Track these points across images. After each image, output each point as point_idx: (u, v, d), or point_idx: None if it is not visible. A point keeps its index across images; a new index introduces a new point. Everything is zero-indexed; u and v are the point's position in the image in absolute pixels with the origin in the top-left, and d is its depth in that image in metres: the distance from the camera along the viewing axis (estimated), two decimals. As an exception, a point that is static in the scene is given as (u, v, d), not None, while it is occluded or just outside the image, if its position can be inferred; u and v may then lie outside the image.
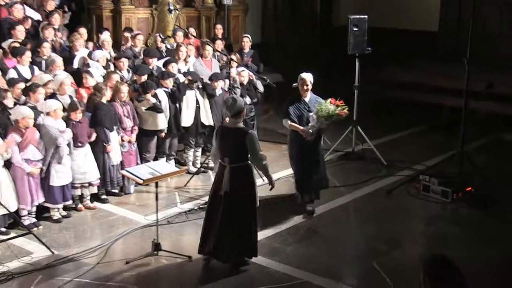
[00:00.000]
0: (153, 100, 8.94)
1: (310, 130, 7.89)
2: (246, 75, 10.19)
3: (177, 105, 9.41)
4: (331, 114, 7.77)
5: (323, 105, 7.85)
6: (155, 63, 9.98)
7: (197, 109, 9.66)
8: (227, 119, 6.79)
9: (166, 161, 9.43)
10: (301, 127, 7.98)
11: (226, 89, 9.84)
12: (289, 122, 8.05)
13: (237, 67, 10.43)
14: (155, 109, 8.98)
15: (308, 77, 8.10)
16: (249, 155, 6.54)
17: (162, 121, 9.18)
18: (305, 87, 8.09)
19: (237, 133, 6.51)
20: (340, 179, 9.63)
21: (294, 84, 8.24)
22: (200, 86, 9.67)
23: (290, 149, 8.37)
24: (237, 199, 6.53)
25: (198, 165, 9.88)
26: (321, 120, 7.82)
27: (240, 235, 6.58)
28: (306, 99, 8.12)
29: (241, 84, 10.10)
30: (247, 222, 6.58)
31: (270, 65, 15.08)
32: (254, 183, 6.60)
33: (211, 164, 10.01)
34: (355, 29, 10.26)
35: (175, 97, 9.36)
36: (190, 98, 9.60)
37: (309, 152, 8.10)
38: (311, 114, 7.96)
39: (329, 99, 7.88)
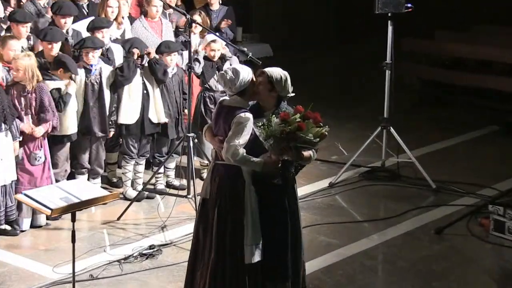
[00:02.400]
0: (72, 87, 8.95)
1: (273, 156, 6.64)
2: (218, 47, 10.13)
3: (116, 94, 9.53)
4: (269, 134, 6.60)
5: (271, 119, 6.70)
6: (72, 26, 9.97)
7: (145, 97, 9.68)
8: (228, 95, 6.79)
9: (89, 179, 9.44)
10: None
11: (184, 68, 9.81)
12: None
13: (201, 33, 10.40)
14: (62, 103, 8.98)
15: (275, 73, 6.79)
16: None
17: (72, 123, 9.18)
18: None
19: (229, 113, 6.57)
20: (362, 210, 9.68)
21: None
22: (146, 64, 9.64)
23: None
24: (215, 214, 6.57)
25: (140, 187, 9.87)
26: (268, 143, 6.65)
27: (220, 274, 6.56)
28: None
29: (209, 59, 10.08)
30: (230, 254, 6.54)
31: (252, 31, 15.11)
32: (243, 200, 6.54)
33: (160, 186, 9.98)
34: (388, -26, 10.33)
35: (119, 81, 9.41)
36: (135, 81, 9.62)
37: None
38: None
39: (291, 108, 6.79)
